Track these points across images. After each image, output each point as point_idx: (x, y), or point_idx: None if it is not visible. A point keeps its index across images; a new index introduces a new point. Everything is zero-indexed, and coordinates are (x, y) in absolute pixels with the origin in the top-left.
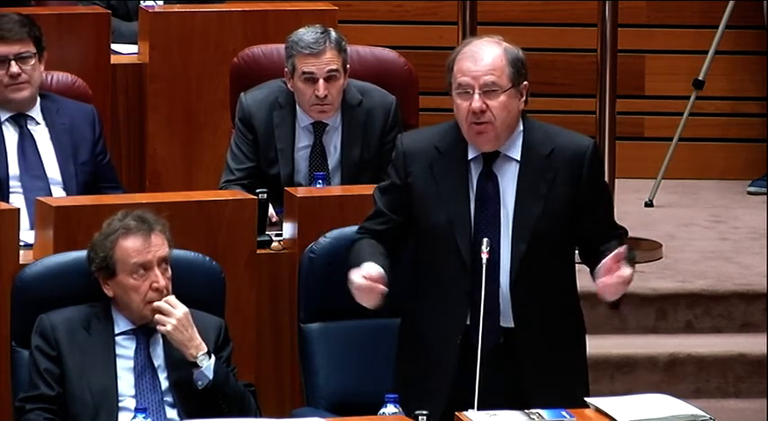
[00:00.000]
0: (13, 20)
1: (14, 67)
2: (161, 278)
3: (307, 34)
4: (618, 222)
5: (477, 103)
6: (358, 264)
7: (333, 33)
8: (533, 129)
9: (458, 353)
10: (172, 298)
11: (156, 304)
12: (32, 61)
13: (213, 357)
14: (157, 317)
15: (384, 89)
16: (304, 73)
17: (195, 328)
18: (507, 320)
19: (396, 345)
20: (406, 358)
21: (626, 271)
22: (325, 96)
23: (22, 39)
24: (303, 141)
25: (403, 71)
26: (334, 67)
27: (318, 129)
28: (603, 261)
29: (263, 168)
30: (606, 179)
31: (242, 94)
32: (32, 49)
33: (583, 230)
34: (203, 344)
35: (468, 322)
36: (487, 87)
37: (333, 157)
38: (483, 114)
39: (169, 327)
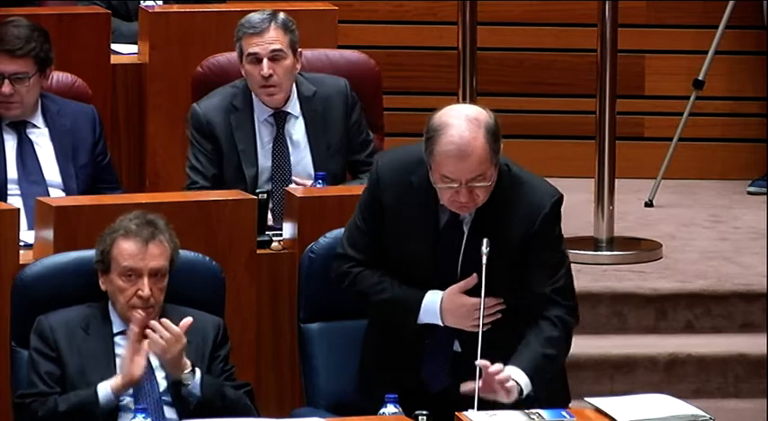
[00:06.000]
0: (22, 35)
1: (6, 88)
2: (146, 288)
3: (254, 16)
4: (562, 286)
5: (464, 198)
6: (408, 303)
7: (280, 15)
8: (501, 177)
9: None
10: (171, 326)
11: (152, 324)
12: (27, 82)
13: (198, 372)
14: (150, 335)
15: (357, 92)
16: (249, 54)
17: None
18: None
19: (363, 347)
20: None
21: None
22: (270, 76)
23: (24, 58)
24: (265, 136)
25: (374, 73)
26: (277, 46)
27: (279, 118)
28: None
29: (229, 174)
30: (606, 179)
31: (194, 104)
32: (31, 71)
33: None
34: (187, 362)
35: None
36: (475, 181)
37: (297, 149)
38: (471, 200)
39: (158, 352)
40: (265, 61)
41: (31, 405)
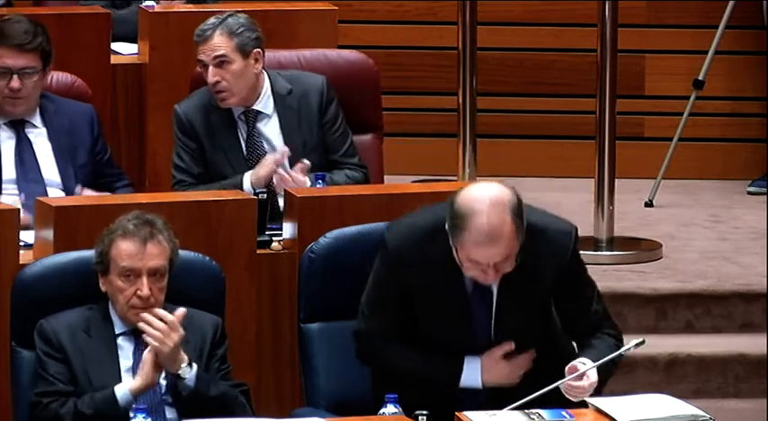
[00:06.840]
0: (28, 31)
1: (15, 83)
2: (145, 287)
3: (206, 22)
4: (595, 293)
5: (491, 278)
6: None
7: (229, 19)
8: None
9: None
10: (165, 315)
11: (144, 317)
12: (35, 78)
13: (195, 366)
14: (145, 329)
15: (354, 92)
16: (198, 61)
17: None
18: None
19: None
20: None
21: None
22: (217, 82)
23: (33, 52)
24: (244, 134)
25: (373, 73)
26: (220, 52)
27: (250, 117)
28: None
29: (218, 171)
30: (606, 179)
31: (175, 105)
32: (38, 66)
33: (563, 317)
34: (184, 356)
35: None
36: (502, 262)
37: (273, 147)
38: (498, 276)
39: (156, 344)
40: (210, 68)
41: (50, 405)
